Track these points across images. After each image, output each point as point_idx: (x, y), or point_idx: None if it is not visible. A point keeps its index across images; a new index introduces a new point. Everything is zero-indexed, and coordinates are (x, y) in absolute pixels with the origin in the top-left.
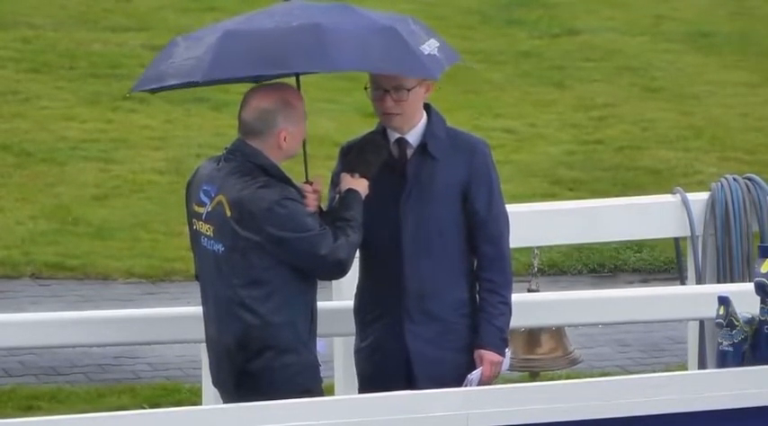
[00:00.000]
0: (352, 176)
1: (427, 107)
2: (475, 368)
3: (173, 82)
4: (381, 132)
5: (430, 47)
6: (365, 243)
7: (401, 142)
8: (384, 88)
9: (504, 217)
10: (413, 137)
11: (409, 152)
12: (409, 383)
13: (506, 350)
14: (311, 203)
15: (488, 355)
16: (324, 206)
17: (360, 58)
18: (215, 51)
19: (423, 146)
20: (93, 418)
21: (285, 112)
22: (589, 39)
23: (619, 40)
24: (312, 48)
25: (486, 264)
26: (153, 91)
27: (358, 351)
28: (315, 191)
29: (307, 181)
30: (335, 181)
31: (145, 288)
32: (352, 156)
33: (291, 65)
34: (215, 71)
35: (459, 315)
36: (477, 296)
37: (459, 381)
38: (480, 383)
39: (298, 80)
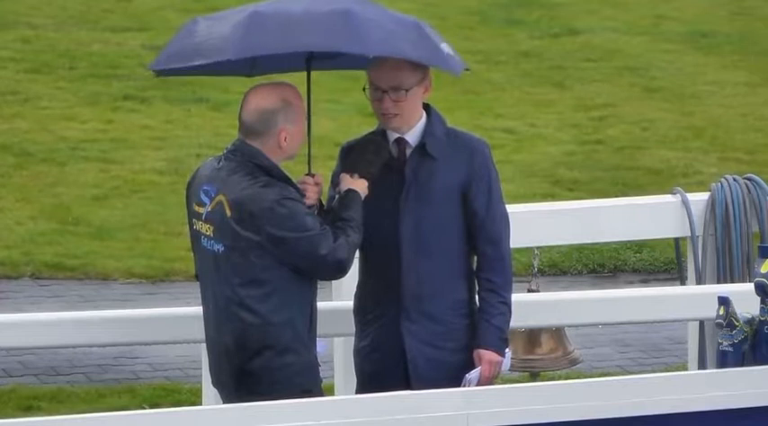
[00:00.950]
0: (351, 176)
1: (427, 107)
2: (474, 369)
3: (198, 61)
4: (381, 132)
5: (448, 47)
6: (365, 243)
7: (400, 142)
8: (382, 89)
9: (503, 218)
10: (412, 136)
11: (408, 152)
12: (408, 383)
13: (506, 350)
14: (312, 195)
15: (487, 354)
16: (324, 201)
17: (388, 45)
18: (245, 29)
19: (421, 146)
20: (93, 418)
21: (285, 112)
22: (589, 39)
23: (619, 40)
24: (343, 30)
25: (486, 265)
26: (165, 74)
27: (357, 351)
28: (316, 184)
29: (309, 174)
30: (335, 182)
31: (145, 288)
32: (353, 157)
33: (322, 43)
34: (246, 49)
35: (458, 316)
36: (477, 296)
37: (458, 381)
38: (479, 383)
39: (308, 78)
